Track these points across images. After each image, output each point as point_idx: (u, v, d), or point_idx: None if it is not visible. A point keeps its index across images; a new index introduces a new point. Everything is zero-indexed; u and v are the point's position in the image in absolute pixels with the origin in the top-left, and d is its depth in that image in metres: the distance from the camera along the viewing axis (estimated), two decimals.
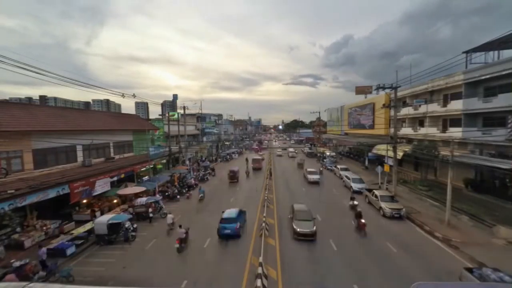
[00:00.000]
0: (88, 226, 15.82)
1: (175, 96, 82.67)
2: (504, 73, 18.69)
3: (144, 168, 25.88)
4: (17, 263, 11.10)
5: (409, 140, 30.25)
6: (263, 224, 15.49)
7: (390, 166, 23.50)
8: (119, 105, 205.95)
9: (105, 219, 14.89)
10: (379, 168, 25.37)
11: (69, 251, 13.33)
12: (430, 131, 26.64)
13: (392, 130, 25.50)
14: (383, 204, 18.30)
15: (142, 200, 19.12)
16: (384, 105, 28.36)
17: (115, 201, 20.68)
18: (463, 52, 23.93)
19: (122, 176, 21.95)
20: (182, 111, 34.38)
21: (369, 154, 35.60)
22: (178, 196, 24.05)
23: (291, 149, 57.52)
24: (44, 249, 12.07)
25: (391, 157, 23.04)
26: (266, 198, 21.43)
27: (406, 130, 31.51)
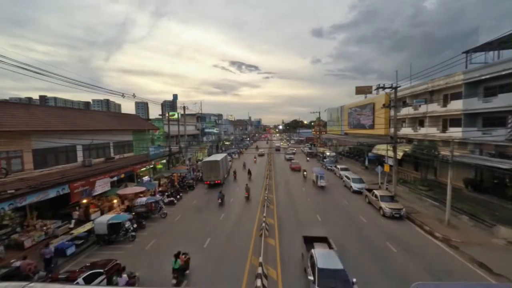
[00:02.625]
0: (88, 226, 15.83)
1: (175, 96, 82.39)
2: (504, 73, 18.68)
3: (144, 168, 25.88)
4: (17, 263, 11.10)
5: (409, 140, 30.26)
6: (263, 224, 15.50)
7: (390, 166, 23.49)
8: (119, 105, 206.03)
9: (105, 219, 14.89)
10: (379, 168, 25.36)
11: (69, 251, 13.35)
12: (430, 131, 26.64)
13: (392, 130, 25.50)
14: (383, 204, 18.29)
15: (142, 200, 19.12)
16: (384, 105, 28.35)
17: (115, 201, 20.67)
18: (463, 52, 23.93)
19: (122, 176, 21.95)
20: (182, 111, 34.40)
21: (369, 154, 35.56)
22: (175, 201, 22.46)
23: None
24: (51, 248, 12.10)
25: (391, 157, 23.02)
26: (266, 198, 21.42)
27: (406, 130, 31.50)
